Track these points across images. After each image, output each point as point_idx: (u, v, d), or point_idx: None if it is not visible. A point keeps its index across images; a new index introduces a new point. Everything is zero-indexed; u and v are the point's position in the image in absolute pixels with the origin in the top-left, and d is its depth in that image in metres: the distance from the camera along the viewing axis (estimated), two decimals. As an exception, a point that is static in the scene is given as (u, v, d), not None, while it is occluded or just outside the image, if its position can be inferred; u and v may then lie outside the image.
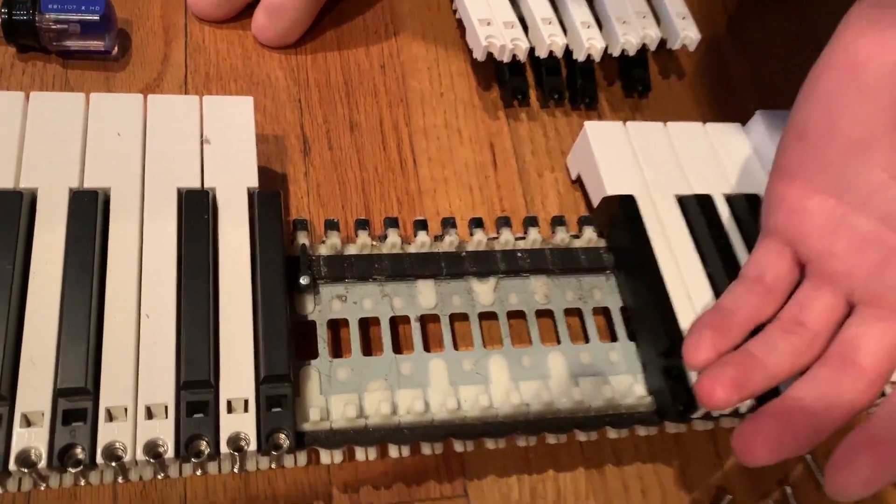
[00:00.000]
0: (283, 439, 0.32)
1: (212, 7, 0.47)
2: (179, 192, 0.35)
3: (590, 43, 0.46)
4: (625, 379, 0.38)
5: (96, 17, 0.42)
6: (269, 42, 0.47)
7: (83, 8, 0.42)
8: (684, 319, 0.38)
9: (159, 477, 0.32)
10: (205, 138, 0.37)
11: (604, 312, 0.41)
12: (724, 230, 0.41)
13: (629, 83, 0.51)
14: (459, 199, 0.45)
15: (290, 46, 0.48)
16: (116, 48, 0.45)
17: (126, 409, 0.31)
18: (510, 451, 0.38)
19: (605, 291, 0.41)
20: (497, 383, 0.37)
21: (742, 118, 0.47)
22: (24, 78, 0.43)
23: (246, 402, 0.32)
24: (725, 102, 0.53)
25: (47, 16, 0.42)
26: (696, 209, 0.41)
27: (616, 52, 0.47)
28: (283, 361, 0.32)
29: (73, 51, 0.44)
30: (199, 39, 0.47)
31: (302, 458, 0.34)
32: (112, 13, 0.44)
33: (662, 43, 0.49)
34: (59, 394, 0.30)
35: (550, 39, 0.45)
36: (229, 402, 0.32)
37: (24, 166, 0.35)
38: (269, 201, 0.36)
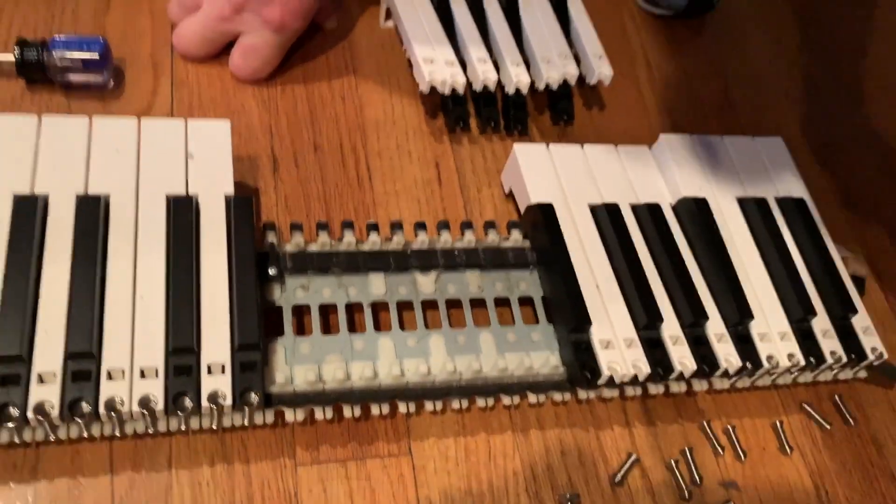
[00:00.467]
0: (254, 397, 0.39)
1: (194, 48, 0.54)
2: (168, 198, 0.43)
3: (518, 79, 0.54)
4: (543, 354, 0.45)
5: (96, 55, 0.50)
6: (244, 78, 0.55)
7: (85, 47, 0.50)
8: (591, 304, 0.45)
9: (150, 431, 0.39)
10: (189, 154, 0.45)
11: (528, 301, 0.48)
12: (627, 232, 0.49)
13: (556, 113, 0.59)
14: (408, 209, 0.53)
15: (263, 81, 0.55)
16: (112, 82, 0.52)
17: (123, 371, 0.37)
18: (448, 417, 0.45)
19: (529, 283, 0.48)
20: (436, 356, 0.44)
21: (652, 141, 0.55)
22: (32, 107, 0.50)
23: (223, 366, 0.39)
24: (638, 129, 0.61)
25: (55, 54, 0.49)
26: (605, 215, 0.49)
27: (542, 87, 0.56)
28: (255, 332, 0.39)
29: (75, 84, 0.51)
30: (183, 75, 0.54)
31: (270, 416, 0.40)
32: (109, 52, 0.51)
33: (584, 78, 0.58)
34: (69, 356, 0.37)
35: (484, 76, 0.54)
36: (209, 366, 0.38)
37: (37, 176, 0.42)
38: (242, 204, 0.43)
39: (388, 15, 0.60)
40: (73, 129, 0.44)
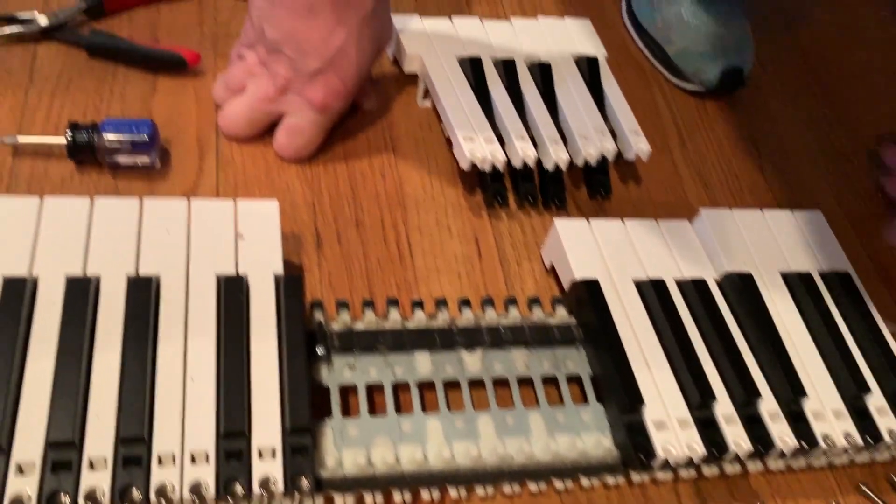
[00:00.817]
0: (306, 483, 0.38)
1: (239, 128, 0.55)
2: (218, 278, 0.43)
3: (556, 155, 0.55)
4: (595, 436, 0.44)
5: (145, 137, 0.51)
6: (288, 157, 0.56)
7: (134, 130, 0.51)
8: (642, 383, 0.45)
9: (198, 517, 0.38)
10: (239, 234, 0.45)
11: (576, 379, 0.48)
12: (675, 308, 0.48)
13: (593, 187, 0.59)
14: (449, 284, 0.53)
15: (305, 160, 0.56)
16: (159, 162, 0.53)
17: (174, 456, 0.37)
18: (498, 502, 0.44)
19: (576, 361, 0.48)
20: (485, 439, 0.43)
21: (689, 215, 0.55)
22: (80, 188, 0.51)
23: (274, 450, 0.38)
24: (675, 203, 0.61)
25: (105, 136, 0.50)
26: (651, 291, 0.49)
27: (580, 163, 0.56)
28: (306, 416, 0.39)
29: (122, 165, 0.52)
30: (228, 155, 0.55)
31: (319, 501, 0.39)
32: (157, 134, 0.52)
33: (621, 153, 0.58)
34: (120, 441, 0.36)
35: (523, 152, 0.54)
36: (260, 450, 0.38)
37: (90, 257, 0.42)
38: (292, 285, 0.43)
39: (426, 94, 0.61)
40: (124, 211, 0.44)
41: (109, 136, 0.50)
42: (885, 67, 0.78)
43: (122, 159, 0.51)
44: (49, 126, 0.53)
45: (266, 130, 0.56)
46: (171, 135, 0.55)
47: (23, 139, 0.51)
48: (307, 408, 0.39)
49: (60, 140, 0.50)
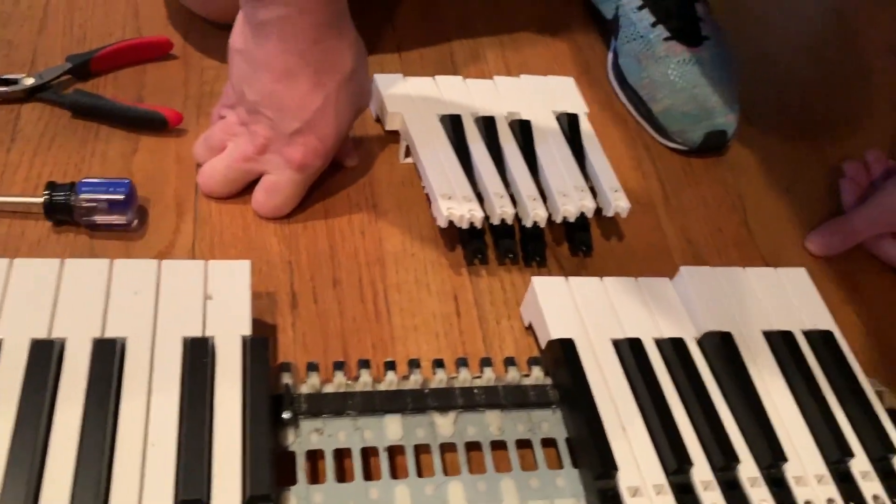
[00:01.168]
0: (264, 554, 0.37)
1: (219, 187, 0.56)
2: (184, 340, 0.42)
3: (534, 212, 0.55)
4: (568, 501, 0.43)
5: (121, 197, 0.51)
6: (267, 215, 0.56)
7: (111, 190, 0.51)
8: (617, 447, 0.43)
9: (154, 590, 0.37)
10: (208, 295, 0.45)
11: (552, 443, 0.47)
12: (652, 369, 0.48)
13: (575, 244, 0.59)
14: (427, 343, 0.52)
15: (284, 217, 0.56)
16: (136, 221, 0.53)
17: (130, 526, 0.36)
18: (469, 571, 0.43)
19: (552, 423, 0.47)
20: (455, 506, 0.42)
21: (672, 272, 0.54)
22: (57, 248, 0.51)
23: (233, 519, 0.37)
24: (658, 259, 0.61)
25: (82, 196, 0.50)
26: (628, 350, 0.48)
27: (558, 220, 0.56)
28: (266, 483, 0.38)
29: (100, 224, 0.52)
30: (206, 213, 0.55)
31: (280, 572, 0.38)
32: (134, 193, 0.52)
33: (601, 210, 0.58)
34: (74, 511, 0.36)
35: (501, 210, 0.54)
36: (219, 520, 0.37)
37: (56, 320, 0.42)
38: (258, 346, 0.43)
39: (408, 152, 0.61)
40: (93, 272, 0.44)
41: (86, 196, 0.50)
42: (871, 124, 0.78)
43: (99, 219, 0.52)
44: (29, 185, 0.54)
45: (245, 189, 0.56)
46: (151, 193, 0.56)
47: (0, 199, 0.51)
48: (268, 475, 0.38)
49: (38, 200, 0.50)
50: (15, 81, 0.58)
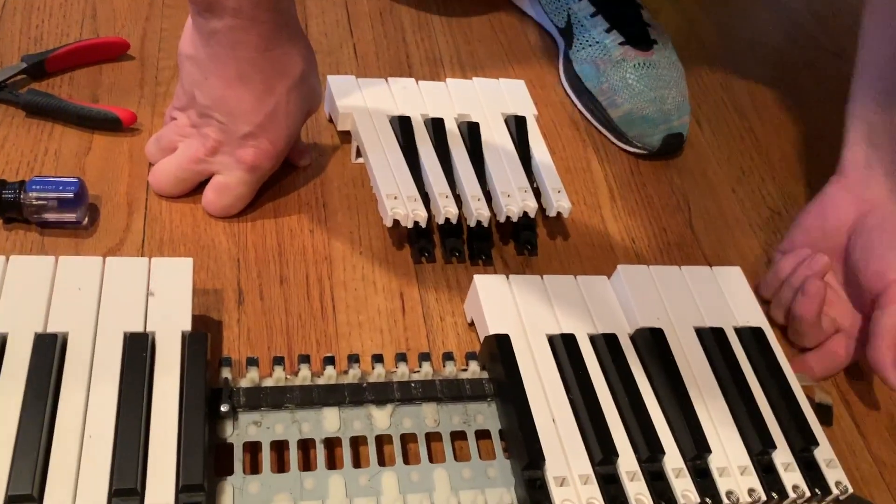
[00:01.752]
0: (196, 541, 0.38)
1: (169, 186, 0.57)
2: (125, 335, 0.44)
3: (479, 212, 0.56)
4: (498, 491, 0.45)
5: (70, 195, 0.52)
6: (216, 213, 0.57)
7: (60, 188, 0.52)
8: (546, 439, 0.45)
9: (89, 576, 0.38)
10: (150, 291, 0.46)
11: (487, 434, 0.48)
12: (584, 363, 0.49)
13: (520, 243, 0.61)
14: (371, 340, 0.53)
15: (234, 216, 0.58)
16: (87, 219, 0.54)
17: (64, 514, 0.37)
18: (402, 558, 0.44)
19: (486, 416, 0.48)
20: (387, 495, 0.43)
21: (614, 271, 0.56)
22: (6, 244, 0.52)
23: (166, 508, 0.38)
24: (602, 258, 0.62)
25: (31, 194, 0.51)
26: (562, 346, 0.50)
27: (502, 219, 0.58)
28: (199, 473, 0.39)
29: (50, 222, 0.53)
30: (156, 212, 0.56)
31: (213, 559, 0.40)
32: (84, 191, 0.53)
33: (545, 210, 0.60)
34: (8, 500, 0.37)
35: (446, 209, 0.56)
36: (152, 508, 0.38)
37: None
38: (196, 341, 0.44)
39: (359, 153, 0.63)
40: (38, 269, 0.45)
41: (35, 195, 0.51)
42: (821, 126, 0.81)
43: (49, 217, 0.53)
44: (-19, 184, 0.55)
45: (195, 189, 0.57)
46: (103, 192, 0.57)
47: (-50, 197, 0.52)
48: (201, 465, 0.39)
49: (-14, 198, 0.51)
50: (-31, 81, 0.59)
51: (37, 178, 0.52)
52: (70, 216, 0.53)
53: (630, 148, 0.71)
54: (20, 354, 0.42)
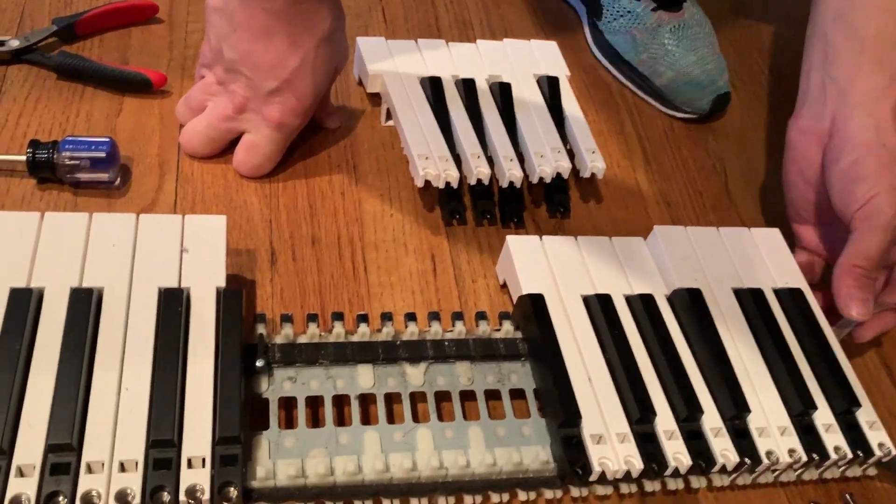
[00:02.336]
0: (233, 492, 0.38)
1: (200, 146, 0.56)
2: (160, 290, 0.43)
3: (510, 173, 0.55)
4: (534, 449, 0.44)
5: (103, 154, 0.52)
6: (247, 173, 0.57)
7: (93, 148, 0.52)
8: (582, 397, 0.45)
9: (128, 526, 0.38)
10: (184, 248, 0.46)
11: (520, 394, 0.48)
12: (620, 323, 0.49)
13: (552, 205, 0.60)
14: (403, 300, 0.53)
15: (265, 177, 0.57)
16: (119, 180, 0.54)
17: (103, 464, 0.37)
18: (437, 515, 0.44)
19: (520, 375, 0.48)
20: (422, 451, 0.43)
21: (649, 233, 0.55)
22: (41, 204, 0.52)
23: (203, 459, 0.38)
24: (636, 222, 0.61)
25: (64, 154, 0.51)
26: (597, 306, 0.49)
27: (535, 181, 0.57)
28: (235, 426, 0.39)
29: (83, 182, 0.53)
30: (188, 172, 0.56)
31: (251, 511, 0.40)
32: (116, 151, 0.53)
33: (578, 171, 0.59)
34: (49, 449, 0.37)
35: (477, 170, 0.55)
36: (189, 460, 0.38)
37: (36, 270, 0.43)
38: (232, 297, 0.44)
39: (389, 115, 0.62)
40: (73, 225, 0.45)
41: (68, 154, 0.51)
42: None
43: (82, 176, 0.53)
44: (14, 145, 0.55)
45: (226, 148, 0.57)
46: (134, 153, 0.57)
47: (-15, 157, 0.52)
48: (237, 418, 0.39)
49: (21, 158, 0.52)
50: (1, 43, 0.59)
51: (69, 138, 0.52)
52: (102, 176, 0.53)
53: (678, 114, 0.70)
54: (57, 309, 0.42)
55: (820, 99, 0.55)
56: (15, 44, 0.59)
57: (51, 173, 0.52)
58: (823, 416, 0.47)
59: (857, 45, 0.54)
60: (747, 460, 0.45)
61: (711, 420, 0.46)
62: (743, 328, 0.50)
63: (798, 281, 0.54)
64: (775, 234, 0.57)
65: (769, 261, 0.55)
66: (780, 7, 0.87)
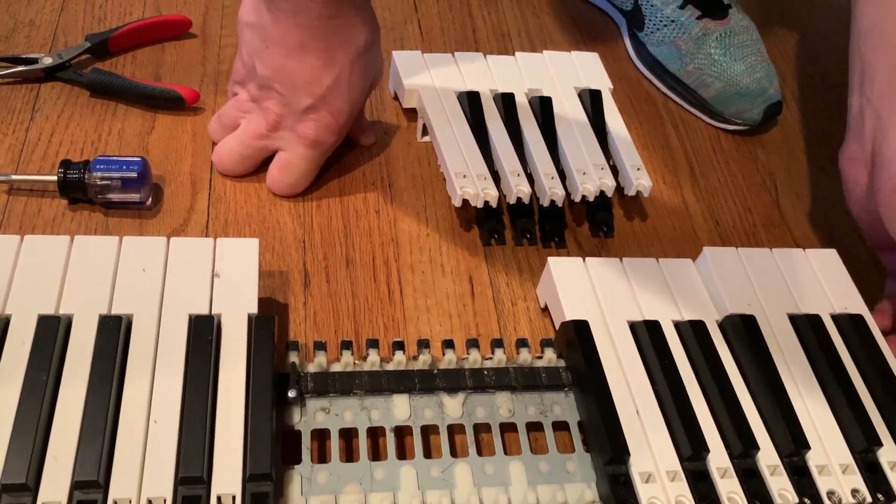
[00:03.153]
0: (264, 531, 0.36)
1: (233, 165, 0.55)
2: (190, 318, 0.42)
3: (552, 191, 0.53)
4: (579, 487, 0.42)
5: (134, 174, 0.51)
6: (281, 192, 0.55)
7: (124, 168, 0.51)
8: (630, 432, 0.42)
9: (155, 566, 0.37)
10: (215, 273, 0.44)
11: (564, 426, 0.45)
12: (669, 352, 0.46)
13: (595, 224, 0.57)
14: (440, 324, 0.51)
15: (299, 196, 0.56)
16: (150, 199, 0.53)
17: (130, 501, 0.36)
18: (476, 555, 0.42)
19: (563, 407, 0.45)
20: (461, 488, 0.41)
21: (697, 253, 0.52)
22: (72, 225, 0.51)
23: (234, 497, 0.37)
24: (683, 241, 0.59)
25: (95, 174, 0.50)
26: (645, 333, 0.47)
27: (577, 199, 0.54)
28: (266, 463, 0.37)
29: (115, 202, 0.52)
30: (221, 192, 0.55)
31: (281, 551, 0.38)
32: (148, 171, 0.52)
33: (623, 189, 0.56)
34: (74, 486, 0.36)
35: (517, 189, 0.53)
36: (219, 497, 0.37)
37: (65, 296, 0.42)
38: (263, 325, 0.42)
39: (426, 131, 0.60)
40: (103, 249, 0.44)
41: (99, 174, 0.50)
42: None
43: (114, 197, 0.52)
44: (46, 164, 0.54)
45: (259, 167, 0.56)
46: (166, 172, 0.55)
47: (17, 177, 0.52)
48: (269, 454, 0.38)
49: (52, 178, 0.51)
50: (35, 61, 0.59)
51: (101, 158, 0.51)
52: (134, 196, 0.52)
53: (728, 126, 0.67)
54: (85, 336, 0.40)
55: (860, 123, 0.52)
56: (48, 61, 0.59)
57: (82, 194, 0.51)
58: (889, 453, 0.44)
59: (891, 60, 0.51)
60: (807, 501, 0.42)
61: (768, 457, 0.43)
62: (800, 357, 0.48)
63: (858, 306, 0.51)
64: (832, 254, 0.54)
65: (826, 284, 0.52)
66: (829, 12, 0.84)
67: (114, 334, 0.40)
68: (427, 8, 0.73)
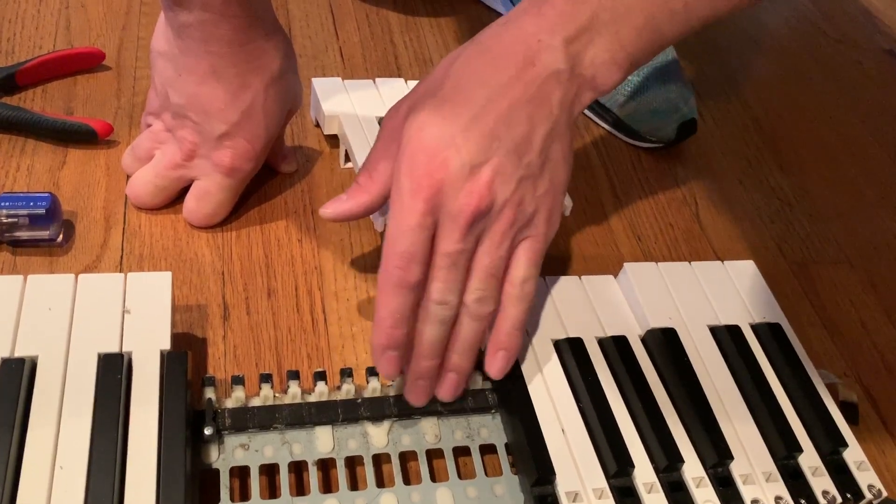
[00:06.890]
0: (179, 578, 0.35)
1: (148, 197, 0.54)
2: (99, 356, 0.40)
3: (474, 212, 0.53)
4: (507, 509, 0.41)
5: (42, 211, 0.49)
6: (199, 223, 0.54)
7: (31, 204, 0.49)
8: (556, 451, 0.42)
9: None
10: (126, 309, 0.43)
11: (492, 449, 0.45)
12: (593, 368, 0.46)
13: (520, 245, 0.58)
14: (366, 352, 0.50)
15: (217, 226, 0.55)
16: (61, 236, 0.51)
17: (33, 555, 0.34)
18: (405, 586, 0.41)
19: (491, 429, 0.45)
20: (387, 519, 0.40)
21: (620, 269, 0.53)
22: (-24, 265, 0.49)
23: (145, 543, 0.35)
24: (606, 258, 0.59)
25: (0, 212, 0.49)
26: (569, 350, 0.47)
27: (500, 219, 0.54)
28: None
29: (23, 240, 0.50)
30: (135, 225, 0.54)
31: None
32: (57, 207, 0.51)
33: (545, 209, 0.57)
34: (-29, 541, 0.34)
35: (439, 211, 0.53)
36: (129, 544, 0.35)
37: (-38, 340, 0.40)
38: (176, 361, 0.41)
39: (348, 158, 0.60)
40: (5, 289, 0.42)
41: (4, 212, 0.49)
42: (827, 114, 0.78)
43: (21, 235, 0.50)
44: (-51, 203, 0.52)
45: (175, 198, 0.54)
46: (78, 207, 0.54)
47: (-85, 218, 0.49)
48: (182, 494, 0.36)
49: (-47, 217, 0.49)
50: (-64, 97, 0.56)
51: (5, 195, 0.49)
52: (43, 233, 0.50)
53: (644, 144, 0.68)
54: (-15, 382, 0.39)
55: None
56: (-49, 97, 0.56)
57: (-14, 232, 0.49)
58: (810, 459, 0.45)
59: None
60: (732, 511, 0.42)
61: (692, 469, 0.43)
62: (721, 368, 0.48)
63: (776, 315, 0.52)
64: (750, 265, 0.55)
65: (745, 295, 0.53)
66: (743, 32, 0.87)
67: (16, 378, 0.39)
68: (348, 35, 0.73)
